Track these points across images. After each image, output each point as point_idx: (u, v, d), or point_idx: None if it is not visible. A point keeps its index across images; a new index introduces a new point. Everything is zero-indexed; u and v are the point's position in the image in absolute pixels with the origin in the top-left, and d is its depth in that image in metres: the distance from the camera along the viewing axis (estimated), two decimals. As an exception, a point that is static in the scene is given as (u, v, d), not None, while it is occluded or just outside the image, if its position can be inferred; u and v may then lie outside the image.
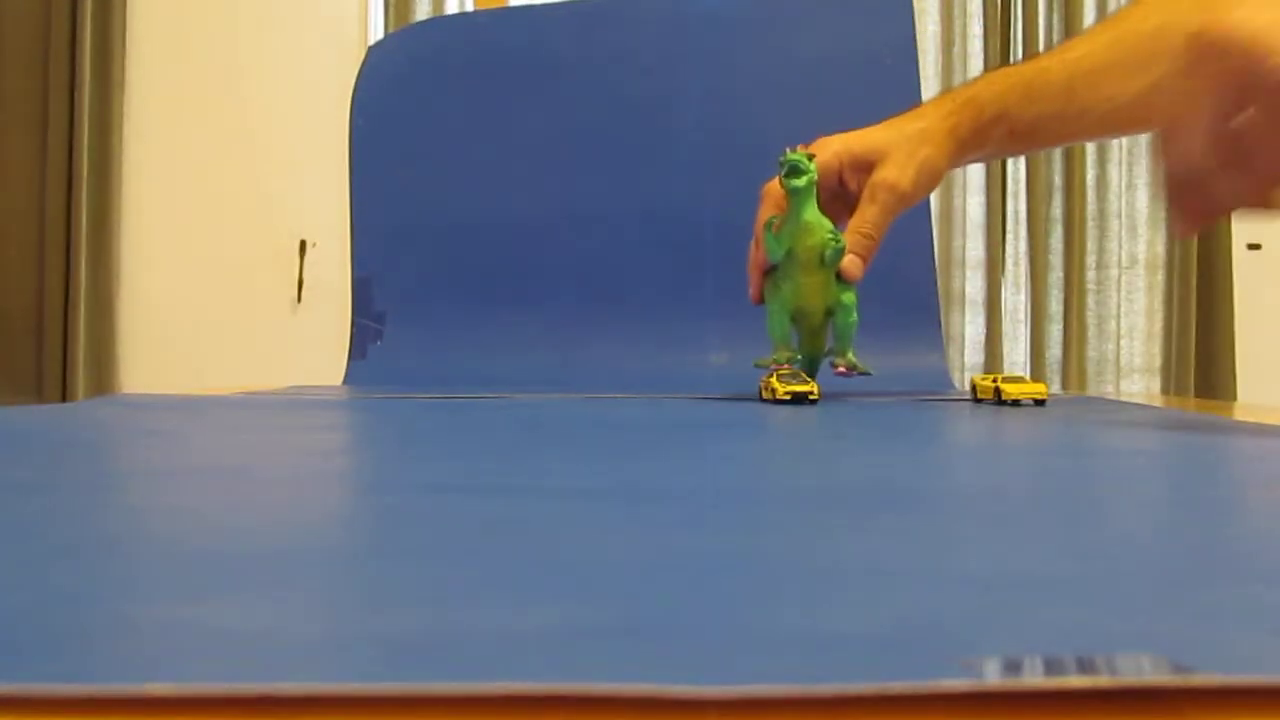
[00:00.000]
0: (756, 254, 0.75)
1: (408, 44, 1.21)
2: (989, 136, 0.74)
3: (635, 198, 1.07)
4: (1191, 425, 0.58)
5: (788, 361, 0.73)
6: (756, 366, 0.74)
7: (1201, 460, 0.43)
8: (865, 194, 0.73)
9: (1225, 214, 0.54)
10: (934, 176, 0.73)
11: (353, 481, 0.35)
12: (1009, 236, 2.79)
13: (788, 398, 0.68)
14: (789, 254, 0.71)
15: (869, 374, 0.74)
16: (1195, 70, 0.52)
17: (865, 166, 0.73)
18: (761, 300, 0.75)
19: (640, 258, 1.00)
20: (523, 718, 0.13)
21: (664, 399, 0.75)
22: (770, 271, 0.74)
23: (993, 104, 0.73)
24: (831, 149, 0.74)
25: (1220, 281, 2.72)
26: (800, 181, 0.69)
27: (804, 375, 0.70)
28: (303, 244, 2.73)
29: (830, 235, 0.70)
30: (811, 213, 0.70)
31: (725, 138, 1.09)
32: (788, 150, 0.70)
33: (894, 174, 0.72)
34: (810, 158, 0.70)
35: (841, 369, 0.74)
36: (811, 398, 0.68)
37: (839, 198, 0.75)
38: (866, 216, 0.72)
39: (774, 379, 0.70)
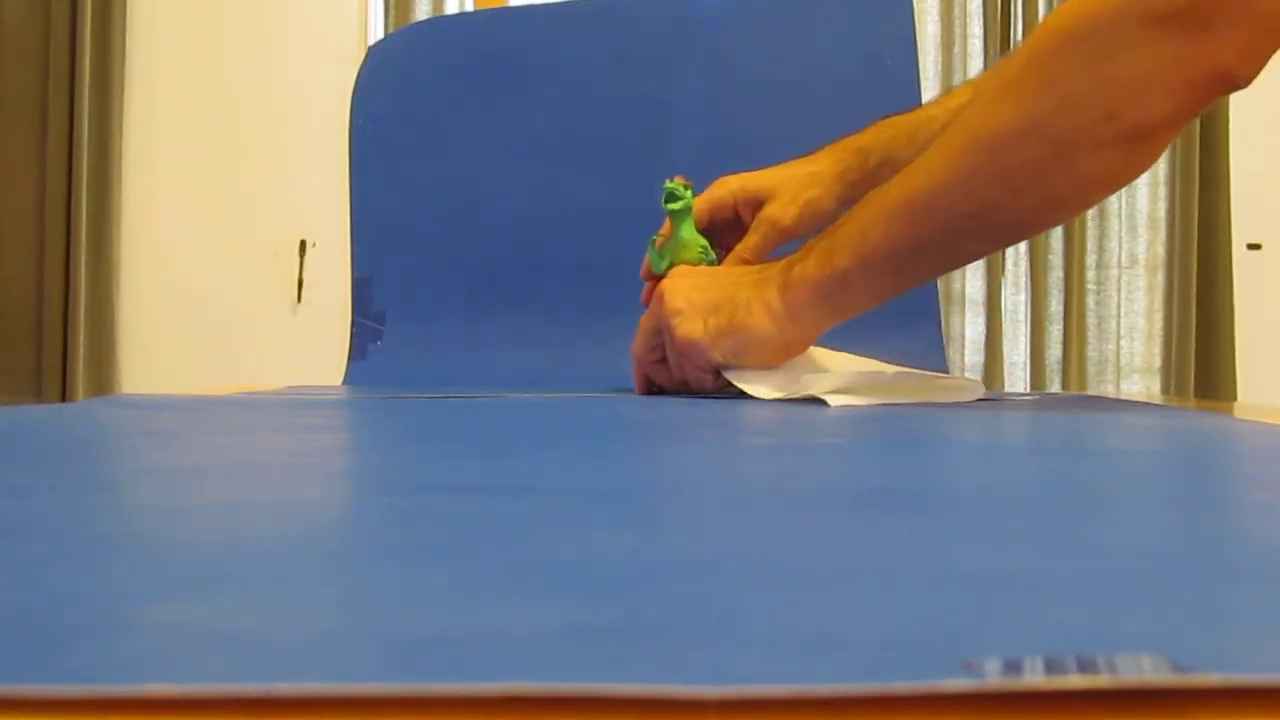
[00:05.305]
0: (647, 263, 0.86)
1: (408, 44, 1.21)
2: (877, 179, 0.83)
3: (635, 198, 1.07)
4: (1191, 425, 0.58)
5: None
6: None
7: (1201, 460, 0.43)
8: (752, 226, 0.83)
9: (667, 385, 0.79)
10: (819, 215, 0.82)
11: (352, 481, 0.35)
12: (1009, 236, 2.79)
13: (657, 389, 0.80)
14: (670, 266, 0.80)
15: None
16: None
17: (756, 203, 0.83)
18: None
19: (639, 258, 1.00)
20: (523, 718, 0.13)
21: (662, 399, 0.75)
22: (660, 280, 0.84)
23: (878, 151, 0.83)
24: (729, 187, 0.84)
25: (1220, 281, 2.72)
26: (676, 206, 0.80)
27: None
28: (303, 244, 2.73)
29: (702, 250, 0.81)
30: (688, 231, 0.80)
31: (725, 138, 1.08)
32: (667, 180, 0.80)
33: (777, 211, 0.82)
34: (686, 186, 0.80)
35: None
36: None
37: (734, 227, 0.84)
38: (748, 244, 0.82)
39: None
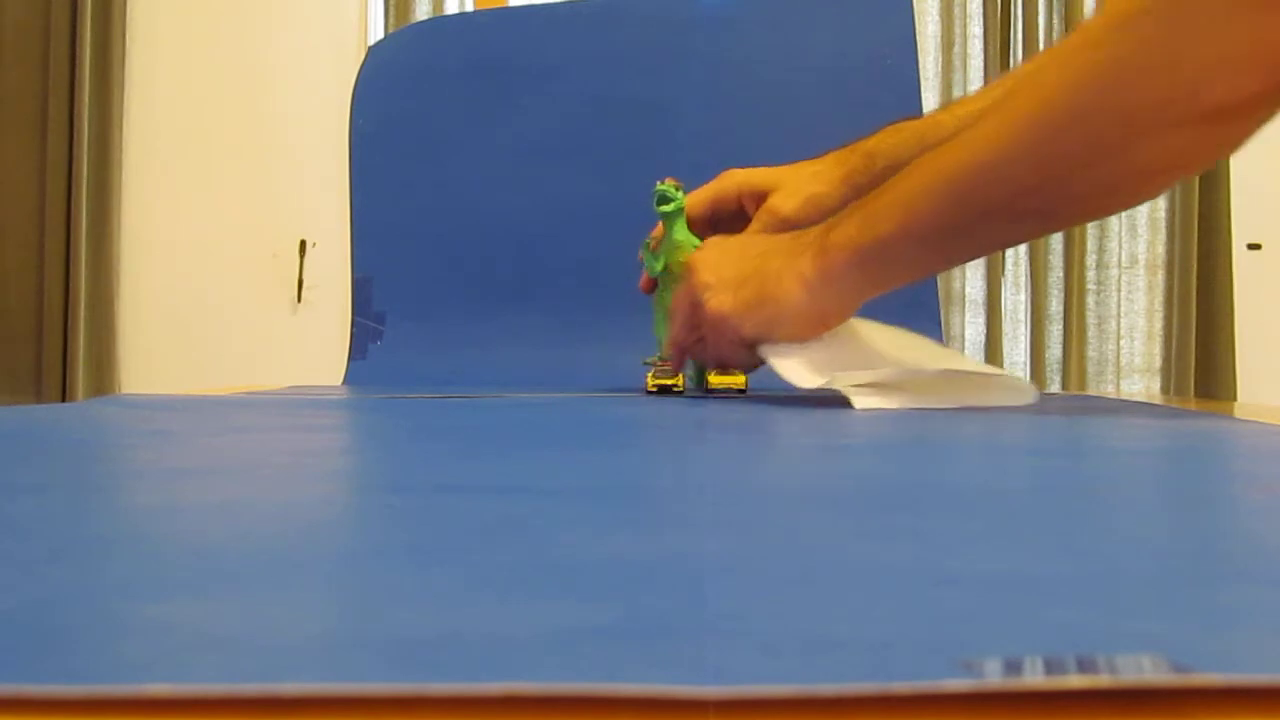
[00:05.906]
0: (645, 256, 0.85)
1: (408, 44, 1.21)
2: (882, 181, 0.81)
3: (635, 198, 1.07)
4: (1191, 425, 0.58)
5: (667, 359, 0.81)
6: (643, 364, 0.84)
7: (1201, 460, 0.43)
8: (755, 216, 0.82)
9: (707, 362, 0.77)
10: (822, 210, 0.80)
11: (353, 481, 0.35)
12: (1009, 236, 2.78)
13: (655, 390, 0.79)
14: (665, 268, 0.81)
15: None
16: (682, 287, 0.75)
17: (760, 196, 0.83)
18: (651, 289, 0.85)
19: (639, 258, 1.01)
20: (523, 718, 0.13)
21: (663, 398, 0.75)
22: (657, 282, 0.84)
23: (886, 155, 0.82)
24: (734, 179, 0.84)
25: (1220, 281, 2.72)
26: (669, 208, 0.79)
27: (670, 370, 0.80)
28: (303, 244, 2.73)
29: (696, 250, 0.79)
30: (681, 233, 0.80)
31: (725, 138, 1.08)
32: (658, 183, 0.79)
33: (780, 201, 0.81)
34: (678, 188, 0.80)
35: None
36: (676, 389, 0.79)
37: (739, 219, 0.84)
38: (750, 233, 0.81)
39: (651, 374, 0.80)
